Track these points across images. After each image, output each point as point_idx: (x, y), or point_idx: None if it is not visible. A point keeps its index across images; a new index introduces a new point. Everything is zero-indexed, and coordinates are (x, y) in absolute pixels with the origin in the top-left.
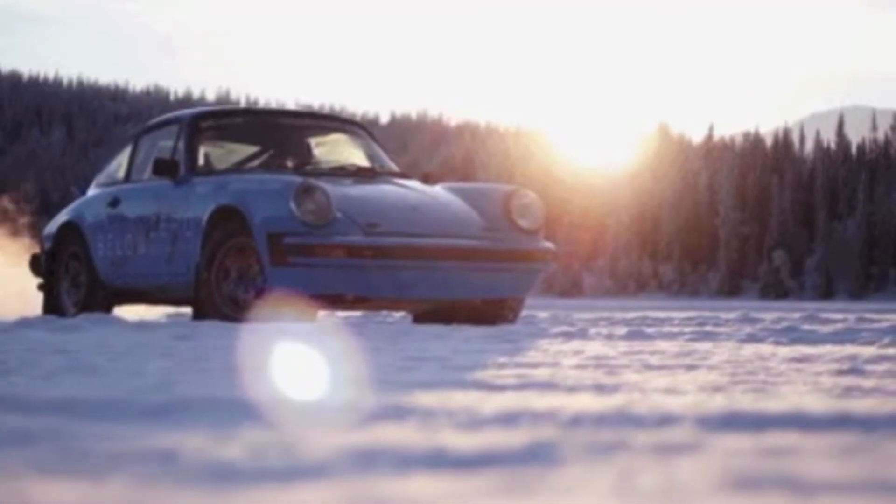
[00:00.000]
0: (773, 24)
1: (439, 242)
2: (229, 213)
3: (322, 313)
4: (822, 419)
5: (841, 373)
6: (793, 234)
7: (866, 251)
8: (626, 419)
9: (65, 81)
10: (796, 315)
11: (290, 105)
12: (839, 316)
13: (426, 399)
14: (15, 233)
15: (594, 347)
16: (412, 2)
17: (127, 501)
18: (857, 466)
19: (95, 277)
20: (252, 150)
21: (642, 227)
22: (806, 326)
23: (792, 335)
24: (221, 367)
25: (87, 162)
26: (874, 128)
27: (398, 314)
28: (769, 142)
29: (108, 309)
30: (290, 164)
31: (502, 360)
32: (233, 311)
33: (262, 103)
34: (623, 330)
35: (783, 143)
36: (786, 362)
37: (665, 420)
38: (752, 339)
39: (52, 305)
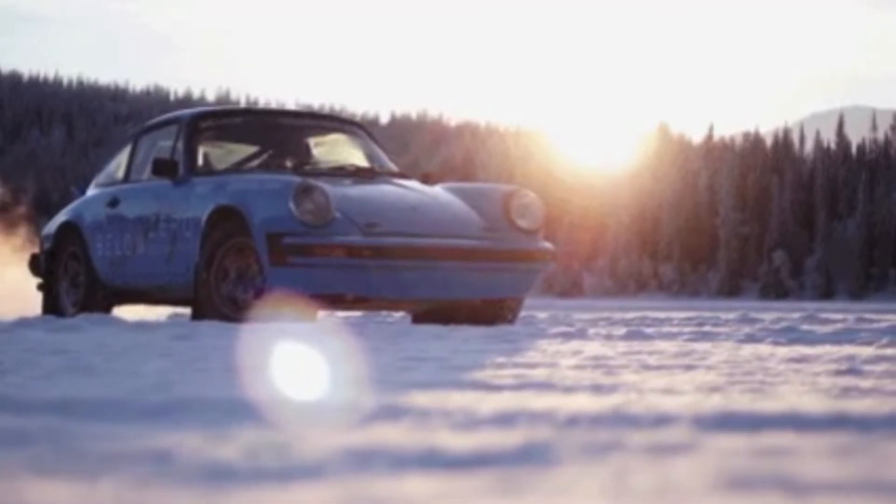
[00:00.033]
0: (773, 24)
1: (439, 242)
2: (228, 213)
3: (322, 313)
4: (819, 419)
5: (839, 373)
6: (793, 234)
7: (866, 251)
8: (622, 419)
9: (65, 81)
10: (795, 315)
11: (290, 105)
12: (838, 316)
13: (424, 399)
14: (14, 233)
15: (593, 348)
16: (412, 2)
17: (125, 502)
18: (854, 467)
19: (95, 277)
20: (251, 150)
21: (642, 227)
22: (805, 327)
23: (791, 335)
24: (220, 367)
25: (87, 162)
26: (874, 128)
27: (398, 314)
28: (769, 142)
29: (108, 309)
30: (289, 164)
31: (501, 360)
32: (232, 311)
33: (262, 103)
34: (622, 330)
35: (783, 143)
36: (784, 362)
37: (661, 420)
38: (750, 339)
39: (52, 305)
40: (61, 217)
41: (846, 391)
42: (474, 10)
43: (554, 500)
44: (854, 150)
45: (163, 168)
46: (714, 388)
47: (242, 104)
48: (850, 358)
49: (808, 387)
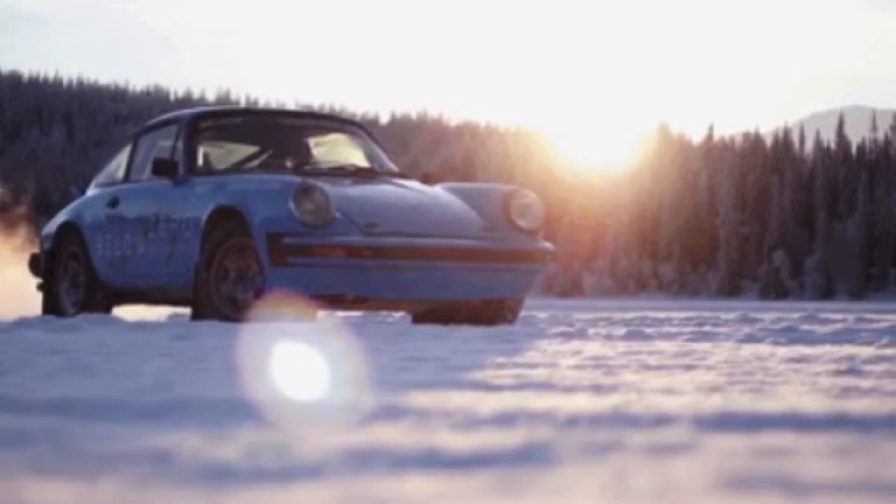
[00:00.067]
0: (773, 24)
1: (439, 242)
2: (228, 213)
3: (322, 313)
4: (819, 419)
5: (839, 373)
6: (793, 234)
7: (866, 251)
8: (622, 419)
9: (65, 81)
10: (795, 315)
11: (290, 105)
12: (838, 316)
13: (424, 399)
14: (14, 233)
15: (593, 348)
16: (412, 2)
17: (125, 502)
18: (854, 467)
19: (94, 277)
20: (251, 150)
21: (642, 227)
22: (805, 327)
23: (791, 335)
24: (220, 367)
25: (87, 162)
26: (874, 128)
27: (398, 314)
28: (769, 142)
29: (107, 309)
30: (289, 164)
31: (500, 360)
32: (232, 311)
33: (262, 103)
34: (622, 330)
35: (783, 143)
36: (784, 362)
37: (661, 420)
38: (750, 339)
39: (52, 305)
40: (61, 217)
41: (846, 391)
42: (474, 10)
43: (554, 500)
44: (854, 150)
45: (163, 168)
46: (714, 388)
47: (242, 104)
48: (850, 358)
49: (808, 387)
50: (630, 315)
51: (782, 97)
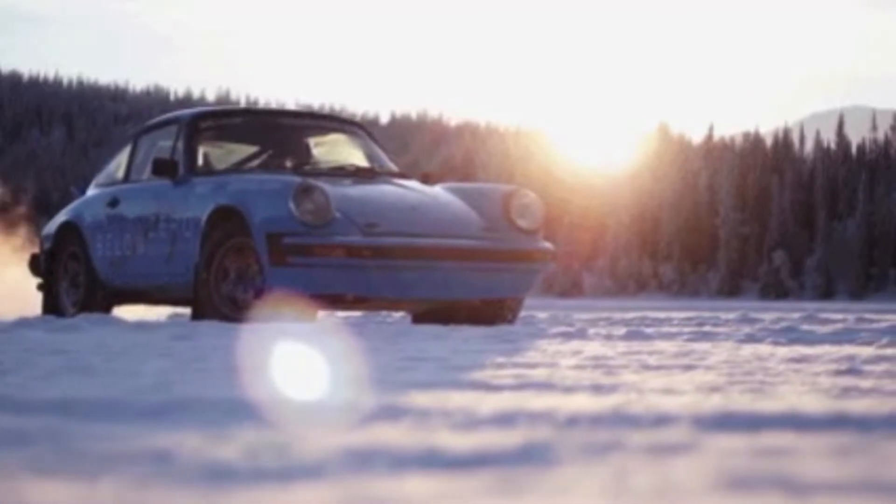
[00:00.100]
0: (773, 24)
1: (439, 242)
2: (228, 213)
3: (322, 313)
4: (819, 419)
5: (839, 373)
6: (793, 234)
7: (866, 251)
8: (622, 419)
9: (65, 81)
10: (795, 315)
11: (290, 105)
12: (838, 316)
13: (423, 399)
14: (14, 233)
15: (593, 348)
16: (412, 2)
17: (125, 502)
18: (854, 467)
19: (94, 277)
20: (251, 150)
21: (642, 227)
22: (805, 327)
23: (791, 335)
24: (220, 367)
25: (87, 162)
26: (874, 128)
27: (397, 314)
28: (769, 142)
29: (108, 309)
30: (289, 164)
31: (500, 360)
32: (232, 311)
33: (262, 103)
34: (622, 330)
35: (783, 143)
36: (784, 362)
37: (661, 420)
38: (750, 339)
39: (52, 305)
40: (61, 217)
41: (846, 391)
42: (474, 10)
43: (554, 500)
44: (854, 150)
45: (163, 168)
46: (714, 388)
47: (242, 104)
48: (850, 358)
49: (808, 387)
50: (630, 315)
51: (782, 97)
